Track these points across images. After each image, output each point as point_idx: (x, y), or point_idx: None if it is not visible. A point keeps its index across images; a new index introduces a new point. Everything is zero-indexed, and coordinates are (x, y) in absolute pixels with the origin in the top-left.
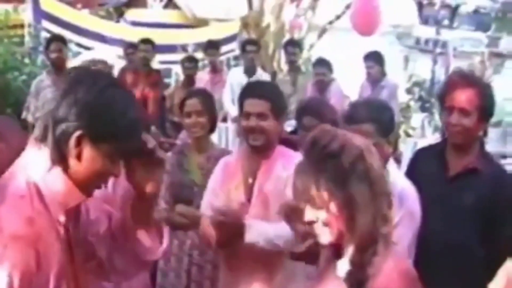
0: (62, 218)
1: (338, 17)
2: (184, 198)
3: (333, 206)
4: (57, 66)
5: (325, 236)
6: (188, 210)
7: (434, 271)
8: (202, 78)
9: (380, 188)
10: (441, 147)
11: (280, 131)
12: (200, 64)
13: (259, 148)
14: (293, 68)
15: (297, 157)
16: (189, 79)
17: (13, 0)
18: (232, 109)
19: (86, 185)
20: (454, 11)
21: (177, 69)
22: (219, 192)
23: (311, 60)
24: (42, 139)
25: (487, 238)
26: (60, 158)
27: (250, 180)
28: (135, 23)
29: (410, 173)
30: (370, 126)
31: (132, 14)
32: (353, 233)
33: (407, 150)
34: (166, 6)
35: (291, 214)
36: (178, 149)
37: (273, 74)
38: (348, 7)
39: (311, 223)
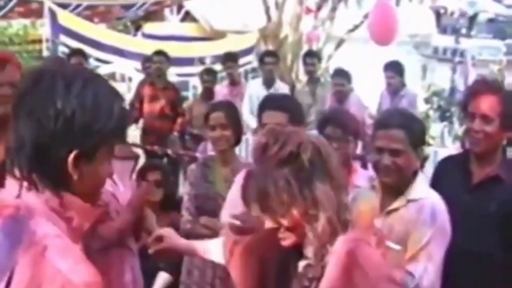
0: (80, 247)
1: (355, 27)
2: (208, 210)
3: (295, 212)
4: None
5: (288, 240)
6: (212, 222)
7: (457, 279)
8: (221, 91)
9: (339, 180)
10: (464, 157)
11: None
12: (218, 76)
13: None
14: (312, 79)
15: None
16: (208, 92)
17: (32, 16)
18: (251, 121)
19: (93, 197)
20: (472, 19)
21: (194, 82)
22: (238, 202)
23: (329, 70)
24: (26, 174)
25: (510, 246)
26: (58, 185)
27: None
28: (152, 37)
29: (434, 183)
30: (401, 132)
31: (150, 27)
32: (316, 231)
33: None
34: (183, 19)
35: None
36: (202, 161)
37: (292, 86)
38: (365, 17)
39: None
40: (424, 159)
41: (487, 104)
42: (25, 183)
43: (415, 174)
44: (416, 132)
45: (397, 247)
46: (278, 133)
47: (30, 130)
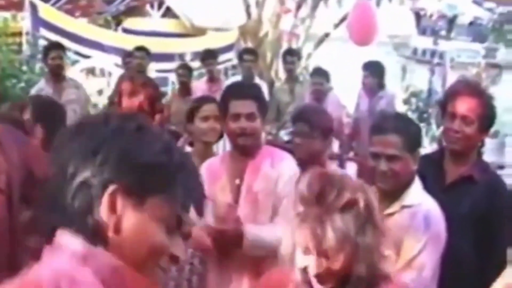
0: None
1: (335, 27)
2: None
3: (344, 256)
4: (56, 73)
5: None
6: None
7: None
8: (200, 87)
9: (383, 229)
10: (438, 156)
11: (263, 131)
12: (197, 73)
13: (247, 149)
14: (291, 77)
15: (285, 155)
16: (185, 88)
17: (12, 8)
18: None
19: (140, 265)
20: (451, 22)
21: (174, 78)
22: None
23: (308, 69)
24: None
25: (482, 246)
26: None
27: (238, 181)
28: (133, 32)
29: None
30: (397, 137)
31: (130, 22)
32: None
33: None
34: (164, 15)
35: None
36: None
37: (271, 83)
38: (345, 17)
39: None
40: None
41: (468, 105)
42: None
43: (412, 178)
44: (412, 136)
45: (387, 251)
46: (333, 179)
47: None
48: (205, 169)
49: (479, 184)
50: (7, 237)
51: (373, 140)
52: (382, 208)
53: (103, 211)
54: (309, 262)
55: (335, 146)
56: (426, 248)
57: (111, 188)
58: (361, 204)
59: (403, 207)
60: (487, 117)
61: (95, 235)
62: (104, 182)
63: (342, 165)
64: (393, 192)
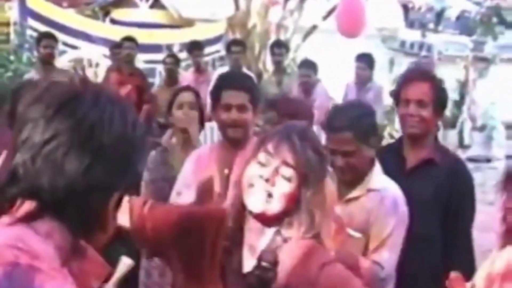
0: None
1: (324, 19)
2: (165, 193)
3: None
4: (47, 63)
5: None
6: None
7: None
8: (186, 77)
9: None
10: (397, 144)
11: (255, 122)
12: (184, 64)
13: (237, 140)
14: (279, 69)
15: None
16: (172, 78)
17: None
18: None
19: (104, 245)
20: (439, 15)
21: (161, 69)
22: (191, 183)
23: (296, 61)
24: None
25: (446, 229)
26: (82, 234)
27: (226, 171)
28: (121, 23)
29: None
30: (349, 134)
31: (118, 13)
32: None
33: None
34: (152, 6)
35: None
36: (162, 148)
37: (259, 75)
38: (333, 9)
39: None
40: None
41: (421, 89)
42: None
43: (371, 162)
44: (365, 128)
45: (357, 234)
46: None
47: (71, 161)
48: (193, 159)
49: (440, 168)
50: None
51: (328, 136)
52: (343, 191)
53: (110, 210)
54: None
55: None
56: (395, 230)
57: (116, 195)
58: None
59: (369, 190)
60: (440, 99)
61: (86, 227)
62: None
63: None
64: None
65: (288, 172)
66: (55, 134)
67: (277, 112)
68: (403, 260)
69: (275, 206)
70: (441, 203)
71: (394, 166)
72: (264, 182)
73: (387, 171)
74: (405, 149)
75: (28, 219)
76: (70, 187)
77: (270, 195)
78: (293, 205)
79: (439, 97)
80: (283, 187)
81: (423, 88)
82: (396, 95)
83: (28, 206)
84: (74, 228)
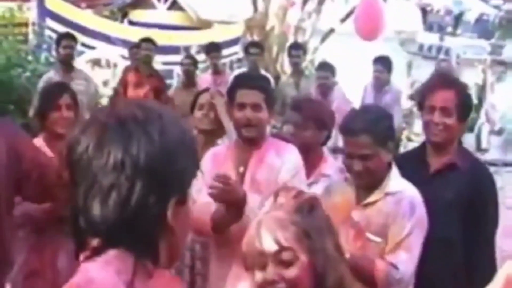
0: None
1: (342, 21)
2: None
3: (302, 266)
4: (66, 63)
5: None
6: None
7: (421, 266)
8: (205, 79)
9: (338, 238)
10: (420, 149)
11: (271, 122)
12: (203, 66)
13: (252, 140)
14: (297, 71)
15: (290, 146)
16: (190, 79)
17: None
18: None
19: (183, 246)
20: (457, 18)
21: (179, 70)
22: (208, 180)
23: (314, 63)
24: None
25: (468, 232)
26: (146, 254)
27: (242, 169)
28: (138, 24)
29: None
30: (367, 137)
31: (136, 14)
32: None
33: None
34: (170, 8)
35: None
36: None
37: (277, 77)
38: (352, 11)
39: (273, 283)
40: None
41: (445, 97)
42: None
43: (389, 166)
44: (382, 131)
45: (377, 238)
46: (291, 187)
47: (115, 192)
48: (209, 157)
49: (462, 171)
50: None
51: (344, 140)
52: (361, 196)
53: (170, 218)
54: (266, 274)
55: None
56: (413, 232)
57: (173, 200)
58: (319, 214)
59: (387, 194)
60: (465, 106)
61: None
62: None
63: None
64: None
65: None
66: (94, 175)
67: (303, 115)
68: (425, 264)
69: None
70: (464, 207)
71: (418, 171)
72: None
73: (411, 176)
74: (428, 154)
75: (93, 255)
76: (118, 216)
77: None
78: None
79: (464, 104)
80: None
81: (448, 96)
82: (420, 101)
83: (93, 243)
84: (134, 251)
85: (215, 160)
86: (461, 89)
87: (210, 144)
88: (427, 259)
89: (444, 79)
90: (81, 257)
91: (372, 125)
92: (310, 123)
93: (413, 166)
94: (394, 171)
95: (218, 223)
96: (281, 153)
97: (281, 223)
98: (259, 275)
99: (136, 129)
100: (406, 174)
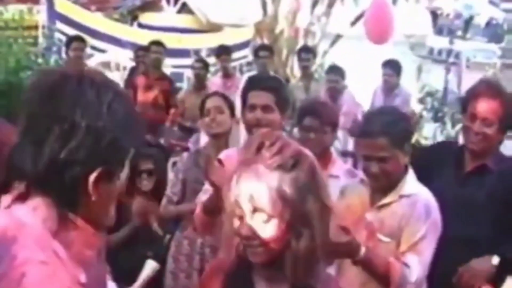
0: (83, 278)
1: (352, 25)
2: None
3: (279, 224)
4: (75, 65)
5: (259, 257)
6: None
7: (448, 265)
8: (215, 82)
9: (328, 202)
10: (459, 150)
11: (283, 125)
12: (212, 69)
13: None
14: (306, 74)
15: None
16: (200, 83)
17: (28, 1)
18: None
19: (104, 219)
20: (467, 22)
21: (189, 74)
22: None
23: (324, 67)
24: (32, 193)
25: (498, 234)
26: (66, 205)
27: None
28: (148, 27)
29: (426, 160)
30: (384, 140)
31: (146, 17)
32: (296, 251)
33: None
34: (180, 11)
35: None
36: (195, 150)
37: (286, 80)
38: (361, 15)
39: (247, 238)
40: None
41: (488, 107)
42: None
43: (405, 168)
44: (400, 133)
45: (388, 239)
46: (276, 137)
47: (52, 139)
48: (222, 158)
49: (495, 173)
50: None
51: (361, 143)
52: (376, 198)
53: (90, 187)
54: (242, 228)
55: (350, 144)
56: (426, 235)
57: (97, 171)
58: (303, 168)
59: (401, 196)
60: (507, 117)
61: (73, 201)
62: (89, 167)
63: (356, 162)
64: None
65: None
66: (37, 120)
67: (320, 120)
68: (454, 264)
69: None
70: (496, 209)
71: (453, 171)
72: None
73: (445, 171)
74: (465, 157)
75: (20, 199)
76: (49, 166)
77: None
78: None
79: (506, 115)
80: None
81: (492, 106)
82: (463, 105)
83: (19, 188)
84: (58, 201)
85: (227, 163)
86: (506, 100)
87: (224, 148)
88: (456, 259)
89: (490, 88)
90: (4, 199)
91: (390, 127)
92: (328, 127)
93: (450, 163)
94: (411, 174)
95: (207, 204)
96: None
97: (258, 180)
98: (236, 225)
99: (90, 91)
100: (442, 169)
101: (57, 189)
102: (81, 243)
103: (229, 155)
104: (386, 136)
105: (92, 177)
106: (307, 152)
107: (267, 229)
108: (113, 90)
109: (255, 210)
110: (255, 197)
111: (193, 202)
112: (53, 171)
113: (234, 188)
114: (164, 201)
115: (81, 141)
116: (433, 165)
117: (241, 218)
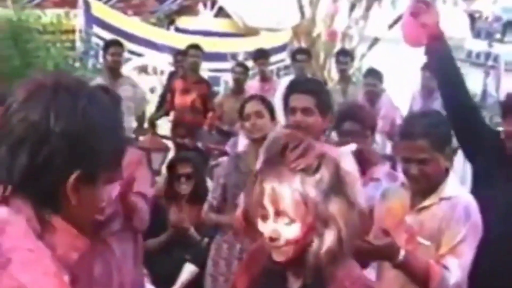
0: (66, 279)
1: (389, 28)
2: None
3: (304, 225)
4: (113, 70)
5: (283, 256)
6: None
7: (490, 262)
8: (252, 86)
9: (354, 201)
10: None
11: (325, 129)
12: (250, 73)
13: None
14: (344, 77)
15: (346, 155)
16: (239, 87)
17: (65, 6)
18: (282, 117)
19: (86, 224)
20: (506, 25)
21: (226, 77)
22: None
23: (361, 70)
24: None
25: None
26: (48, 207)
27: None
28: (185, 31)
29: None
30: (425, 142)
31: (183, 21)
32: (319, 250)
33: (458, 161)
34: (216, 15)
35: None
36: (235, 154)
37: (324, 83)
38: (399, 17)
39: (271, 240)
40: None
41: None
42: None
43: (446, 171)
44: (441, 136)
45: (427, 242)
46: (301, 139)
47: (26, 146)
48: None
49: None
50: None
51: (402, 145)
52: (416, 201)
53: (68, 189)
54: (266, 228)
55: (388, 147)
56: (466, 238)
57: (74, 174)
58: (327, 170)
59: (442, 199)
60: None
61: (55, 204)
62: (67, 171)
63: (394, 166)
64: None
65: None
66: (12, 127)
67: (362, 124)
68: (497, 260)
69: None
70: None
71: (499, 171)
72: None
73: (491, 174)
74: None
75: (2, 202)
76: (24, 173)
77: None
78: None
79: None
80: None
81: None
82: (503, 109)
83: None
84: (38, 206)
85: None
86: None
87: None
88: (499, 256)
89: None
90: None
91: (431, 130)
92: (368, 131)
93: (496, 162)
94: (452, 177)
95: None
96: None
97: (281, 183)
98: (261, 226)
99: (64, 96)
100: (487, 159)
101: (35, 194)
102: (65, 246)
103: None
104: (426, 138)
105: (70, 182)
106: (333, 152)
107: (290, 230)
108: (87, 94)
109: (277, 212)
110: (278, 200)
111: (233, 215)
112: (28, 178)
113: (257, 187)
114: (205, 206)
115: (55, 147)
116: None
117: (264, 217)
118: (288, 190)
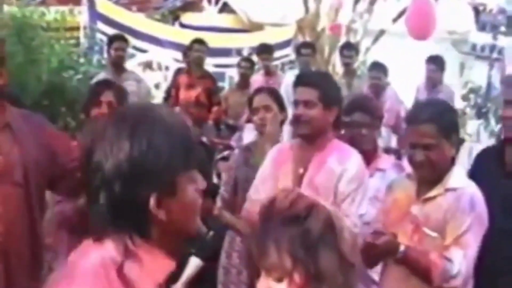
0: None
1: (394, 21)
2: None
3: (297, 277)
4: (117, 65)
5: None
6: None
7: (493, 258)
8: (257, 80)
9: (350, 260)
10: (499, 147)
11: (330, 121)
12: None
13: (308, 138)
14: (349, 71)
15: (353, 152)
16: (244, 81)
17: (70, 2)
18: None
19: (190, 226)
20: (510, 17)
21: (230, 73)
22: (267, 177)
23: (366, 64)
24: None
25: None
26: (139, 232)
27: (301, 170)
28: (190, 27)
29: (473, 173)
30: (431, 126)
31: (187, 17)
32: None
33: (462, 155)
34: (221, 10)
35: None
36: (244, 147)
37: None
38: (404, 11)
39: None
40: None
41: None
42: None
43: (452, 161)
44: (447, 123)
45: (433, 233)
46: (291, 191)
47: (101, 182)
48: (274, 154)
49: None
50: (27, 232)
51: (408, 130)
52: (422, 192)
53: (153, 209)
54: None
55: (394, 140)
56: (471, 228)
57: (153, 196)
58: (314, 223)
59: (447, 190)
60: None
61: (145, 227)
62: (145, 194)
63: (399, 159)
64: (434, 177)
65: None
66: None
67: (371, 115)
68: (499, 256)
69: None
70: None
71: (494, 168)
72: None
73: (488, 172)
74: (507, 154)
75: (98, 240)
76: (109, 210)
77: None
78: None
79: None
80: None
81: None
82: (506, 103)
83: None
84: (130, 236)
85: (278, 158)
86: None
87: (274, 144)
88: (501, 251)
89: None
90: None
91: (437, 116)
92: (378, 122)
93: (490, 163)
94: (458, 168)
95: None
96: (343, 160)
97: (273, 238)
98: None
99: (123, 130)
100: (485, 169)
101: (122, 225)
102: (154, 271)
103: (281, 150)
104: (432, 123)
105: (152, 202)
106: (324, 204)
107: (281, 286)
108: (149, 117)
109: (269, 269)
110: (270, 255)
111: (246, 221)
112: (113, 213)
113: (251, 240)
114: (218, 202)
115: (126, 174)
116: (478, 171)
117: (258, 274)
118: (273, 247)
